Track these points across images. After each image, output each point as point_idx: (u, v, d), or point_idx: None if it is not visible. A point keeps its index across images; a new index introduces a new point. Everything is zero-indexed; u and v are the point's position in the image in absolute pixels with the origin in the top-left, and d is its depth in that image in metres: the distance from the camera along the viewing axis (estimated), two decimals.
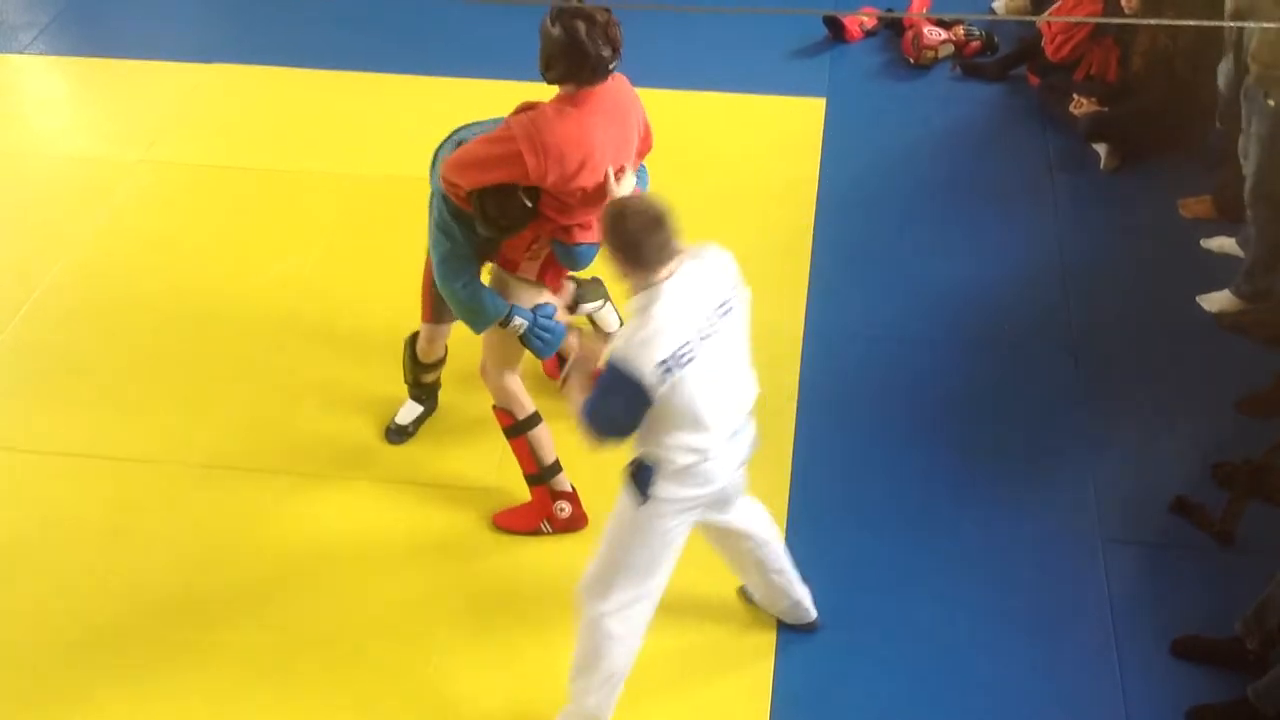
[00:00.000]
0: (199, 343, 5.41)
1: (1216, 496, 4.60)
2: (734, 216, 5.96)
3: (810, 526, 4.59)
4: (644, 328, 3.34)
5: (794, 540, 4.43)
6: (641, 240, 3.34)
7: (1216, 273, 5.50)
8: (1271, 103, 4.94)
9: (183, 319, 5.53)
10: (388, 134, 6.65)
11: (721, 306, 3.46)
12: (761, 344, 4.16)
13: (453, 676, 4.17)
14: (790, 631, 4.23)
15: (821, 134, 6.58)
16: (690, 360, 3.36)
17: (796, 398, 5.06)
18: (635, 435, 3.49)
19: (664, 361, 3.32)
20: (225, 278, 5.75)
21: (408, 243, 5.86)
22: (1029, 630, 4.27)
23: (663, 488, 3.55)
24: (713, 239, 5.63)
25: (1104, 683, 4.11)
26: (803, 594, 4.18)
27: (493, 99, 6.77)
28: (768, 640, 4.23)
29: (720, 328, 3.45)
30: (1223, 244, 5.67)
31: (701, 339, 3.39)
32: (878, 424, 4.97)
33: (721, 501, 3.73)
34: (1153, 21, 5.88)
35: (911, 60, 7.14)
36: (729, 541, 3.98)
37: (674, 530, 3.66)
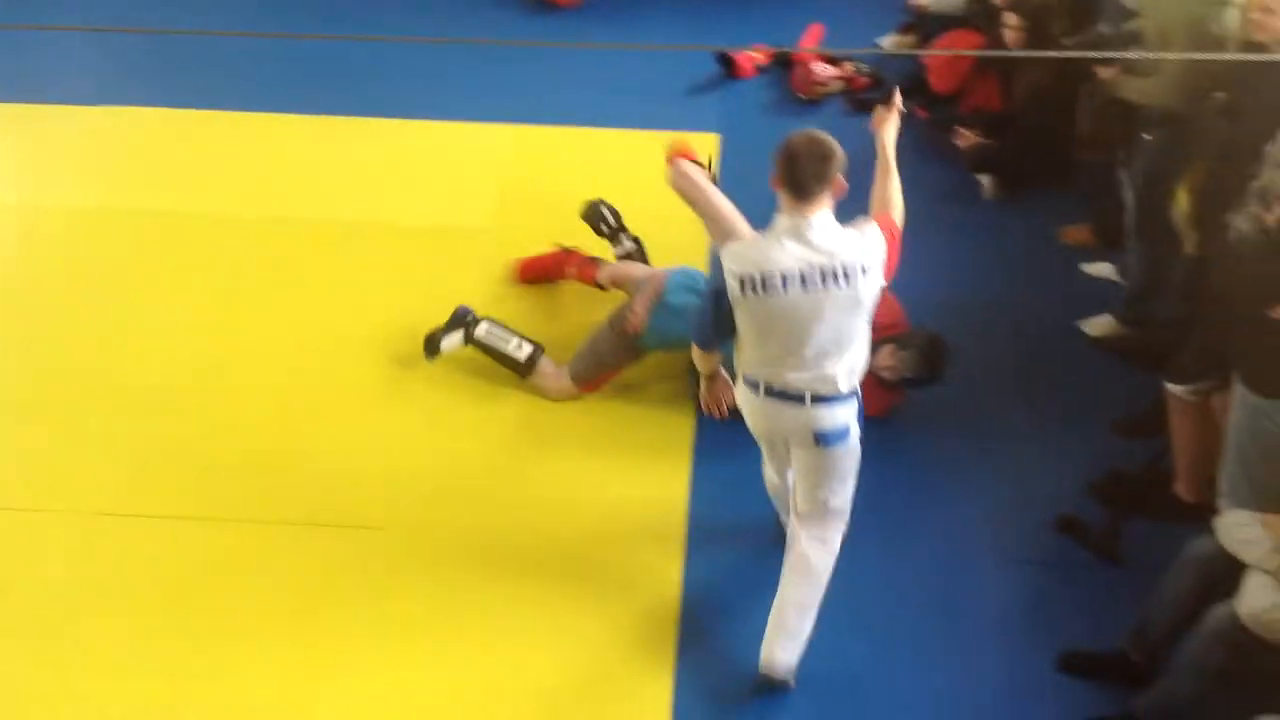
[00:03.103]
0: (86, 386, 5.35)
1: (1103, 514, 4.73)
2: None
3: (708, 542, 4.70)
4: (754, 242, 3.91)
5: (694, 549, 4.61)
6: (795, 162, 3.72)
7: (1096, 297, 5.68)
8: (1148, 137, 5.13)
9: (72, 363, 5.47)
10: (281, 175, 6.65)
11: (843, 270, 3.74)
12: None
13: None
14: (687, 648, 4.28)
15: (717, 170, 6.68)
16: (777, 290, 3.73)
17: (694, 423, 5.17)
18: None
19: (752, 278, 3.75)
20: (116, 322, 5.69)
21: (305, 285, 5.91)
22: (925, 650, 4.36)
23: (740, 391, 4.08)
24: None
25: (997, 699, 4.20)
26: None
27: (395, 137, 6.89)
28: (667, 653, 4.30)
29: (825, 290, 3.75)
30: (1100, 269, 5.86)
31: (802, 282, 3.73)
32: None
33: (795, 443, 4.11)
34: (1032, 53, 6.08)
35: (802, 96, 7.28)
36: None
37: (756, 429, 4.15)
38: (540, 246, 5.98)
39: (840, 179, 3.77)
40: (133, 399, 5.30)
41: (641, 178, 6.56)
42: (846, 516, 4.23)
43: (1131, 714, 4.01)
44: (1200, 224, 5.03)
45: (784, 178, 3.76)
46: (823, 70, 7.27)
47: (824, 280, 3.74)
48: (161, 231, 6.25)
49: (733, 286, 3.80)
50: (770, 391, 3.96)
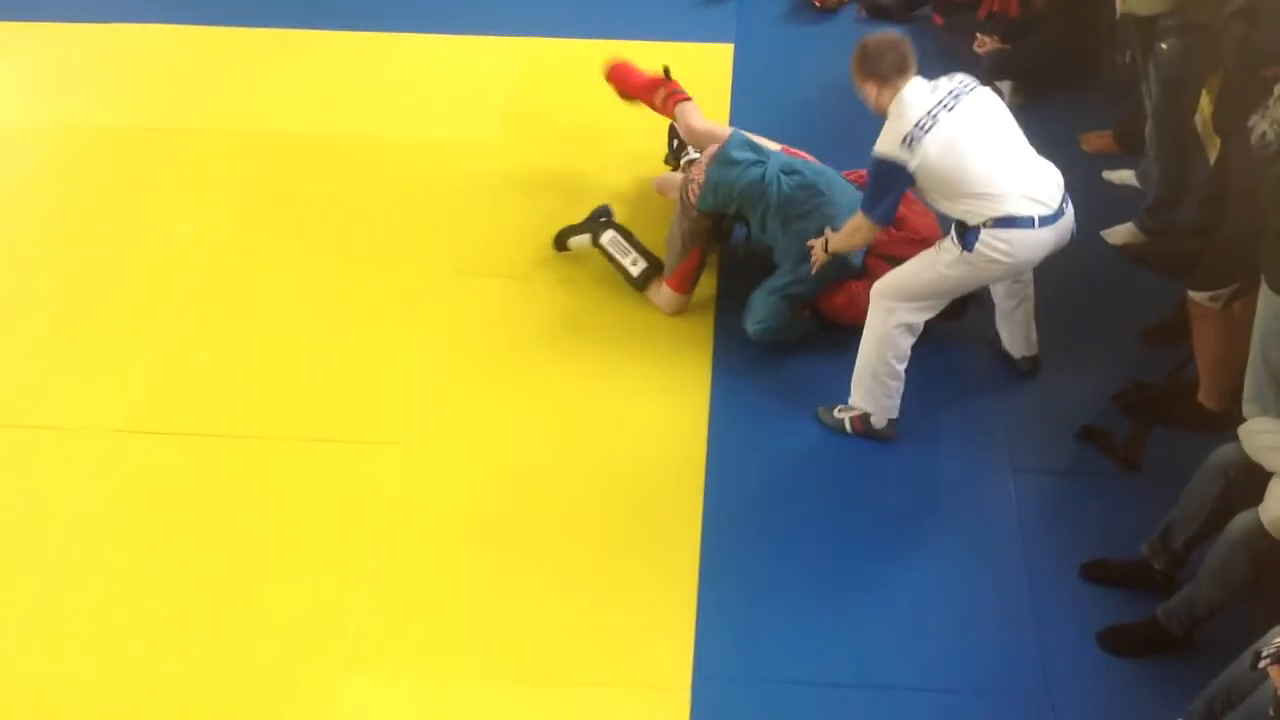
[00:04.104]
0: (108, 307, 5.34)
1: (1125, 423, 4.71)
2: (647, 163, 5.99)
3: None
4: (889, 123, 4.28)
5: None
6: (878, 56, 4.30)
7: (1118, 205, 5.60)
8: (1164, 46, 5.03)
9: (91, 283, 5.46)
10: (286, 90, 6.58)
11: (961, 86, 4.30)
12: None
13: None
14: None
15: (731, 80, 6.60)
16: (933, 127, 4.17)
17: (713, 337, 5.15)
18: (950, 208, 4.33)
19: (906, 135, 4.18)
20: (133, 240, 5.67)
21: (313, 201, 5.88)
22: (944, 558, 4.36)
23: (983, 247, 4.29)
24: (627, 188, 5.77)
25: (1018, 608, 4.20)
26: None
27: (400, 52, 6.81)
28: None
29: (963, 102, 4.24)
30: (1123, 176, 5.78)
31: (942, 109, 4.20)
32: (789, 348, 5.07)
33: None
34: None
35: (817, 4, 7.16)
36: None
37: (976, 280, 4.51)
38: (547, 160, 6.00)
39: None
40: (152, 316, 5.29)
41: None
42: None
43: (1154, 621, 4.01)
44: (1222, 129, 4.96)
45: (871, 73, 4.32)
46: None
47: (958, 96, 4.26)
48: (171, 149, 6.20)
49: (904, 154, 4.21)
50: (1042, 220, 4.31)
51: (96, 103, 6.56)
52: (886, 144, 4.27)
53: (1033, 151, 4.43)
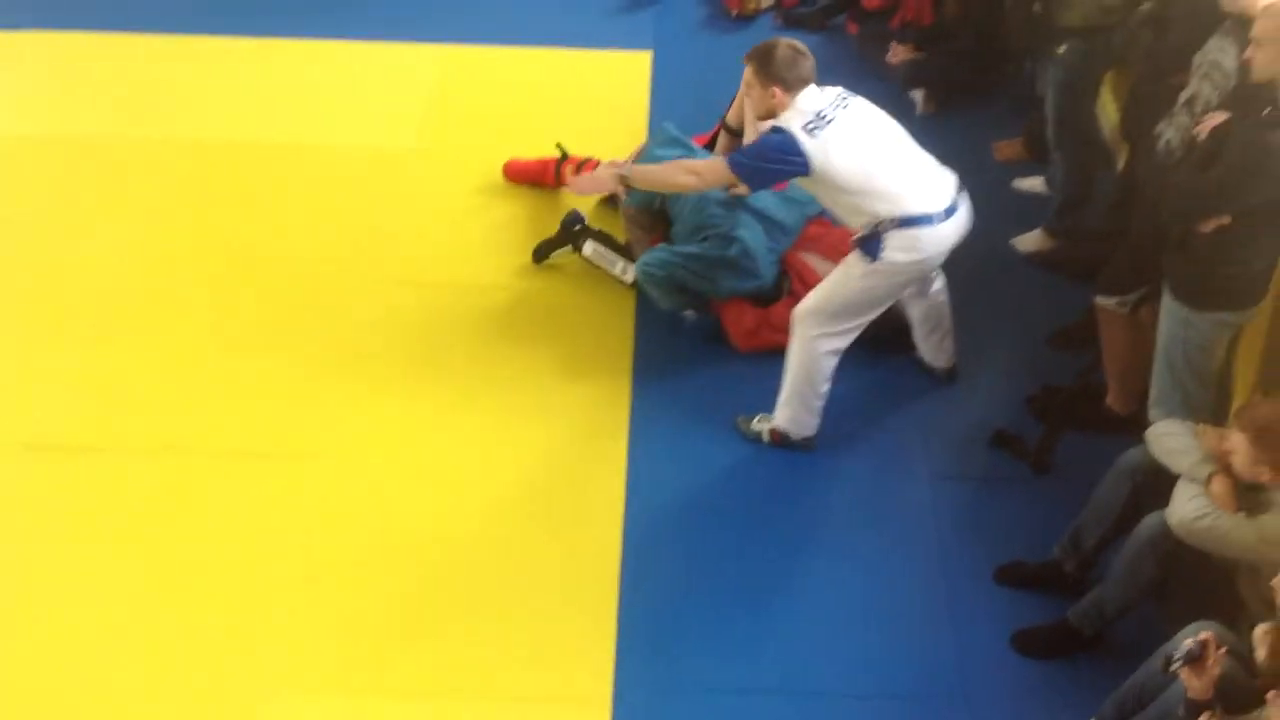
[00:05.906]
0: (19, 319, 5.25)
1: (1037, 428, 4.78)
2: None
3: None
4: (787, 113, 4.32)
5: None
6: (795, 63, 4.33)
7: (1028, 213, 5.68)
8: (1061, 51, 5.13)
9: (10, 296, 5.37)
10: (205, 98, 6.51)
11: (846, 92, 4.43)
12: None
13: None
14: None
15: (649, 87, 6.63)
16: (831, 121, 4.26)
17: (633, 350, 5.17)
18: (853, 212, 4.40)
19: (808, 123, 4.25)
20: (47, 250, 5.58)
21: (237, 210, 5.81)
22: (863, 565, 4.41)
23: (889, 253, 4.34)
24: (547, 198, 5.78)
25: (936, 613, 4.26)
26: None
27: (318, 59, 6.75)
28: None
29: (851, 105, 4.37)
30: (1032, 184, 5.87)
31: (836, 109, 4.31)
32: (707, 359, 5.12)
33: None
34: None
35: (734, 13, 7.20)
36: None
37: (891, 289, 4.54)
38: (468, 166, 6.01)
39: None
40: (65, 329, 5.21)
41: (573, 97, 6.53)
42: None
43: (1064, 623, 4.08)
44: (1129, 136, 5.05)
45: (779, 79, 4.33)
46: None
47: (846, 99, 4.39)
48: (85, 158, 6.11)
49: (804, 139, 4.24)
50: (946, 213, 4.40)
51: (10, 112, 6.44)
52: (788, 121, 4.30)
53: (921, 150, 4.53)
